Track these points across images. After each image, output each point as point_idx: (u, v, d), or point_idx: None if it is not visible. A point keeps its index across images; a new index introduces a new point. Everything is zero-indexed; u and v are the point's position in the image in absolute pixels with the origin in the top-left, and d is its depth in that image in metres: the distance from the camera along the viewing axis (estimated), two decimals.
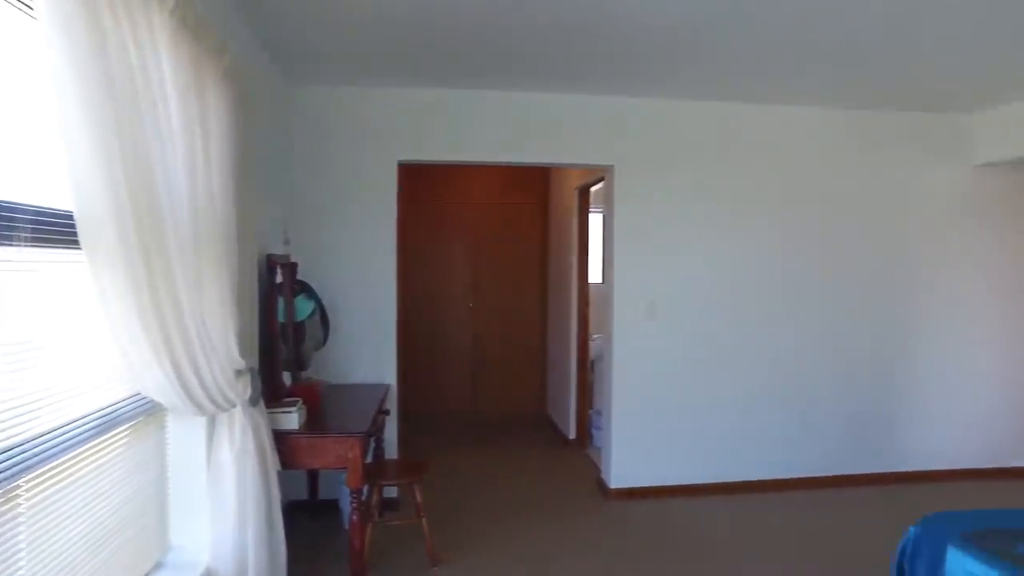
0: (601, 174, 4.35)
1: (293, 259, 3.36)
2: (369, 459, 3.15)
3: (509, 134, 3.84)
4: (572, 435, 5.12)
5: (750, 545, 3.38)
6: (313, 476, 3.62)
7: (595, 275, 5.20)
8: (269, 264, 2.88)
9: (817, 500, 4.01)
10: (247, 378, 2.17)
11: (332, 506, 3.64)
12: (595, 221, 5.17)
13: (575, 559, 3.21)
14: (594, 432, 5.07)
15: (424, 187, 5.77)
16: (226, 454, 2.13)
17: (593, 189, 4.98)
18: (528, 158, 3.92)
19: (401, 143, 3.78)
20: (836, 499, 4.03)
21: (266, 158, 3.11)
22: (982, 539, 1.92)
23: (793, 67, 3.36)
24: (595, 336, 5.39)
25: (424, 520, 3.09)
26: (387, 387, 3.68)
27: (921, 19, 2.73)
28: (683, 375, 4.02)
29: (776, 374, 4.13)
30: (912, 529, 2.12)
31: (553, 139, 3.87)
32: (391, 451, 3.80)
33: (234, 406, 2.12)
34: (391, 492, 3.79)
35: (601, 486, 4.14)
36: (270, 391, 2.65)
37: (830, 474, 4.22)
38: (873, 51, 3.13)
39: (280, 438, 2.45)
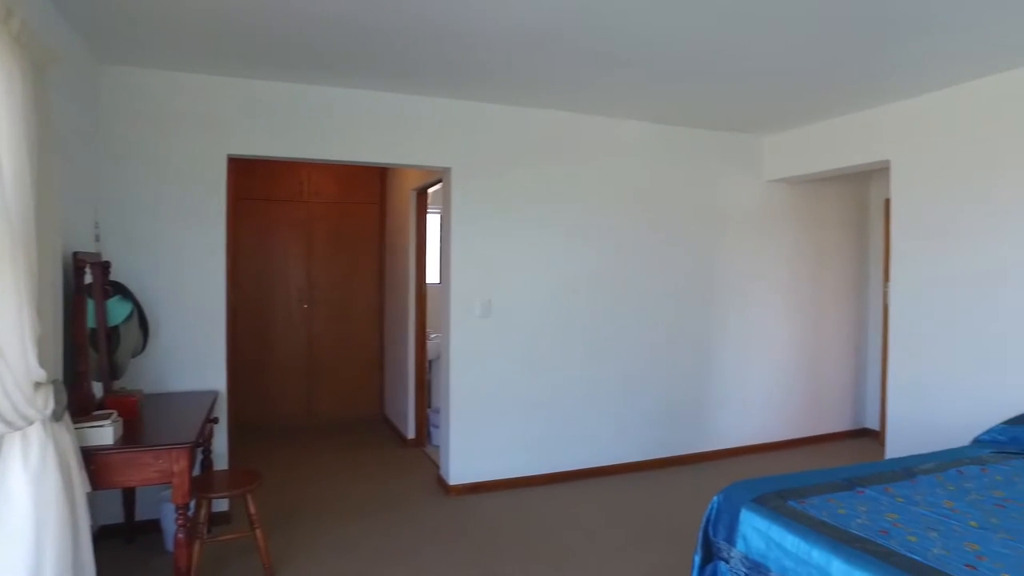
0: (439, 176, 4.43)
1: (105, 257, 3.04)
2: (196, 472, 2.94)
3: (346, 132, 3.77)
4: (411, 435, 5.14)
5: (583, 527, 3.63)
6: (130, 496, 3.30)
7: (433, 276, 5.27)
8: (76, 263, 2.59)
9: (644, 481, 4.40)
10: (48, 391, 1.95)
11: (153, 527, 3.34)
12: (433, 222, 5.23)
13: (414, 556, 3.25)
14: (432, 430, 5.13)
15: (258, 183, 5.48)
16: (18, 477, 1.90)
17: (431, 190, 5.04)
18: (364, 157, 3.87)
19: (231, 136, 3.56)
20: (659, 479, 4.45)
21: (71, 142, 2.78)
22: (765, 501, 2.26)
23: (615, 84, 3.66)
24: (433, 335, 5.46)
25: (259, 531, 2.96)
26: (215, 394, 3.46)
27: (723, 54, 3.13)
28: (518, 371, 4.20)
29: (602, 368, 4.47)
30: (715, 498, 2.42)
31: (390, 139, 3.87)
32: (221, 462, 3.57)
33: (31, 423, 1.89)
34: (221, 506, 3.57)
35: (441, 483, 4.21)
36: (78, 404, 2.39)
37: (654, 457, 4.66)
38: (685, 76, 3.51)
39: (91, 455, 2.23)
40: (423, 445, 5.11)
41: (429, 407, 5.27)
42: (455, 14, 2.68)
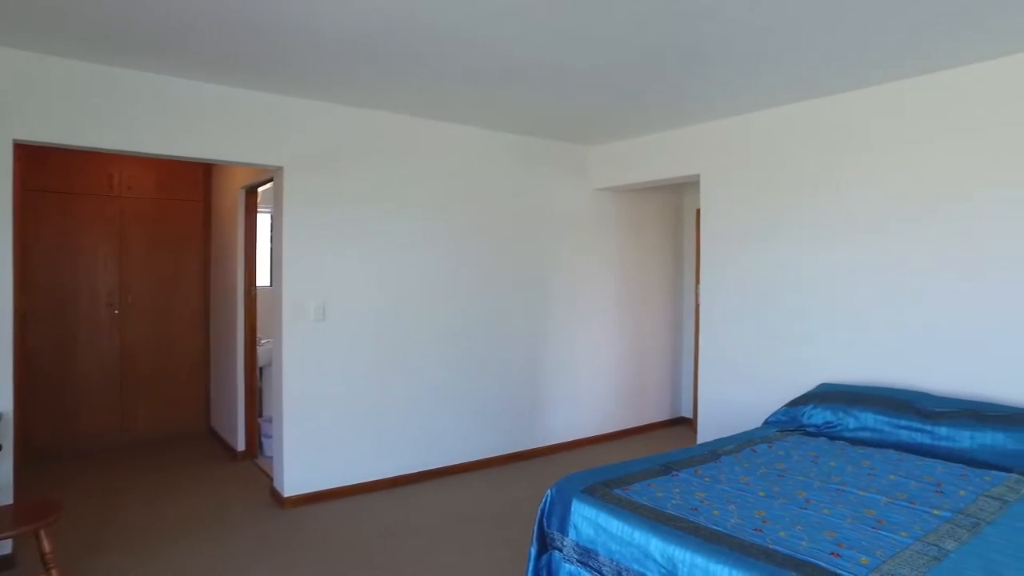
0: (270, 174, 4.22)
1: None
2: None
3: (164, 123, 3.45)
4: (241, 447, 4.83)
5: (423, 529, 3.64)
6: None
7: (264, 278, 5.00)
8: None
9: (483, 479, 4.49)
10: None
11: None
12: (264, 222, 4.96)
13: (244, 573, 3.07)
14: (264, 441, 4.87)
15: (56, 174, 4.86)
16: None
17: (261, 189, 4.78)
18: (186, 152, 3.56)
19: (18, 118, 3.11)
20: (498, 476, 4.57)
21: None
22: (594, 491, 2.42)
23: (445, 88, 3.67)
24: (264, 341, 5.18)
25: (54, 571, 2.63)
26: None
27: (542, 66, 3.30)
28: (354, 376, 4.12)
29: (440, 371, 4.50)
30: (548, 492, 2.56)
31: (217, 134, 3.61)
32: (5, 496, 3.12)
33: None
34: (4, 548, 3.12)
35: (275, 495, 4.01)
36: None
37: (493, 455, 4.78)
38: (509, 85, 3.61)
39: None
40: (254, 457, 4.83)
41: (260, 416, 4.99)
42: (281, 9, 2.58)
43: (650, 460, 2.84)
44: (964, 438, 2.85)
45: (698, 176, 4.59)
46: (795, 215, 3.99)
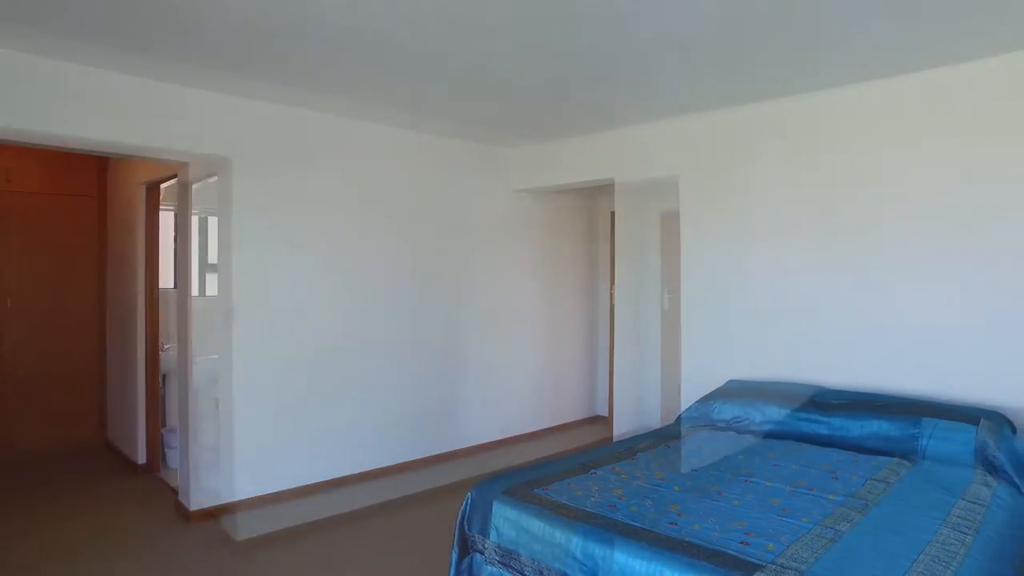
0: (174, 170, 3.99)
1: None
2: None
3: (73, 105, 3.19)
4: (142, 459, 4.54)
5: (341, 536, 3.55)
6: None
7: (166, 280, 4.72)
8: None
9: (401, 483, 4.42)
10: None
11: None
12: (165, 221, 4.69)
13: None
14: (168, 452, 4.60)
15: None
16: None
17: (165, 186, 4.51)
18: (92, 135, 3.29)
19: None
20: (416, 480, 4.52)
21: None
22: (515, 492, 2.44)
23: (366, 84, 3.60)
24: (167, 346, 4.90)
25: None
26: None
27: (454, 60, 3.30)
28: (267, 381, 3.96)
29: (359, 376, 4.41)
30: (468, 494, 2.55)
31: (140, 116, 3.37)
32: None
33: None
34: None
35: (180, 509, 3.79)
36: None
37: (411, 459, 4.72)
38: (423, 80, 3.55)
39: None
40: (156, 470, 4.55)
41: (164, 427, 4.71)
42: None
43: (570, 460, 2.90)
44: (855, 427, 3.08)
45: (612, 180, 4.73)
46: (722, 217, 4.12)
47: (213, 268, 3.74)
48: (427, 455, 4.82)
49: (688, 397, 4.10)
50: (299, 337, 4.08)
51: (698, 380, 4.12)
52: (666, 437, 3.31)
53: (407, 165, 4.67)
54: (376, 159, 4.47)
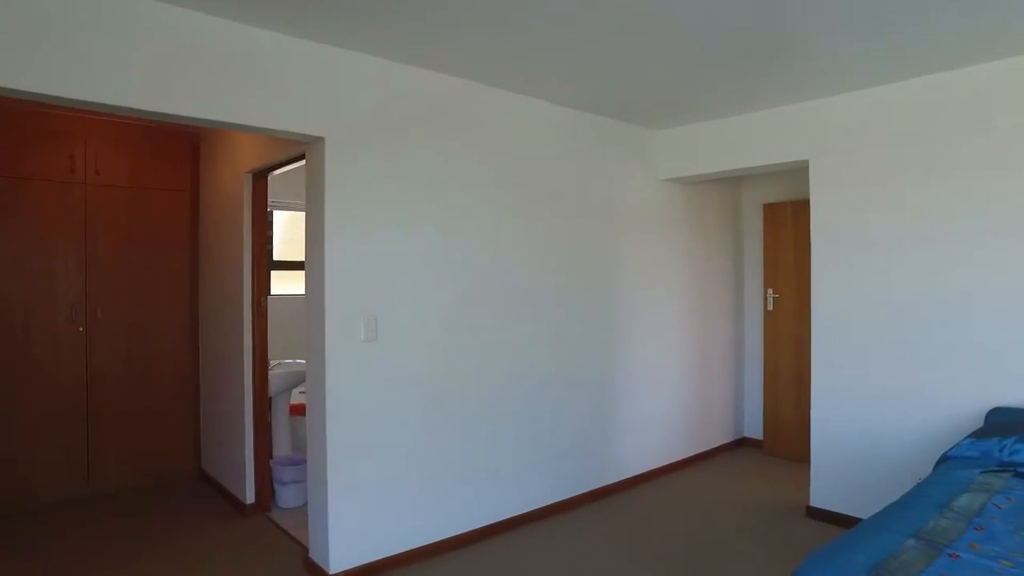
0: (286, 154, 3.30)
1: None
2: None
3: (152, 65, 2.48)
4: (250, 498, 3.84)
5: None
6: None
7: (281, 287, 4.04)
8: None
9: (563, 529, 3.64)
10: None
11: None
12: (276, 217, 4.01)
13: None
14: (278, 489, 3.90)
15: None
16: None
17: (275, 174, 3.83)
18: (189, 110, 2.54)
19: None
20: (578, 522, 3.73)
21: None
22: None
23: (513, 43, 2.89)
24: (274, 364, 4.22)
25: None
26: None
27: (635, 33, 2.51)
28: (407, 408, 3.22)
29: (502, 397, 3.64)
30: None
31: (233, 87, 2.66)
32: None
33: None
34: None
35: (313, 570, 3.06)
36: None
37: (565, 497, 3.94)
38: (595, 46, 2.87)
39: None
40: (266, 510, 3.85)
41: (271, 458, 4.02)
42: None
43: (892, 530, 2.06)
44: None
45: (805, 162, 3.89)
46: (933, 213, 3.31)
47: (349, 269, 3.01)
48: (579, 492, 4.04)
49: (919, 434, 3.23)
50: (434, 356, 3.34)
51: (932, 411, 3.25)
52: (972, 489, 2.44)
53: (548, 145, 3.91)
54: (515, 135, 3.72)
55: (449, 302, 3.37)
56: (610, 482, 4.24)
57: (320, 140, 2.93)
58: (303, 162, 3.42)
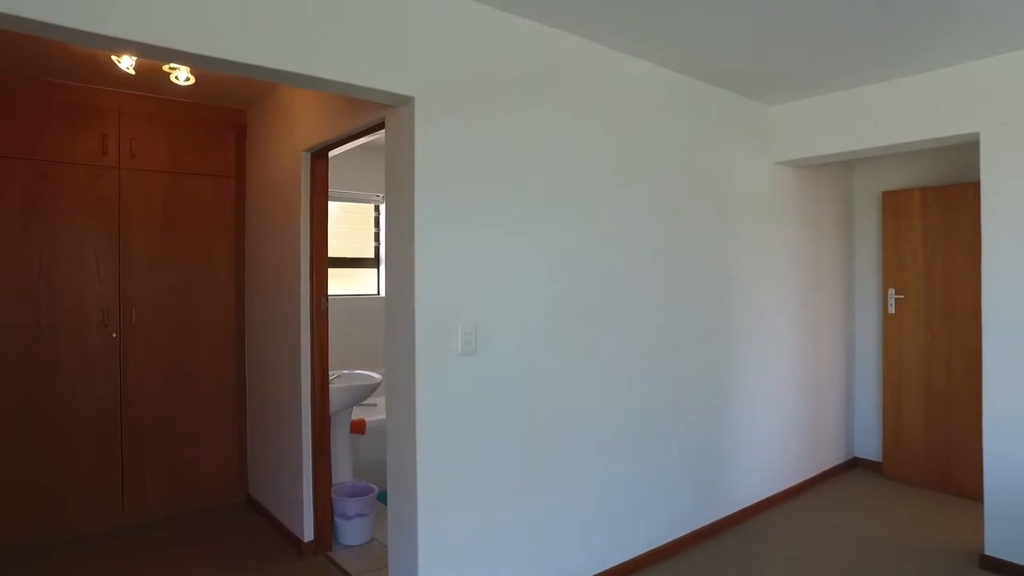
0: (363, 121, 2.72)
1: None
2: None
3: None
4: (308, 534, 3.27)
5: None
6: None
7: (341, 286, 3.47)
8: None
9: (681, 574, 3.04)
10: None
11: None
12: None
13: None
14: (340, 524, 3.34)
15: (22, 131, 3.31)
16: None
17: (335, 153, 3.25)
18: (254, 56, 1.95)
19: None
20: (701, 569, 3.11)
21: None
22: None
23: (634, 4, 2.28)
24: (334, 376, 3.66)
25: None
26: None
27: None
28: (507, 434, 2.62)
29: (609, 419, 3.03)
30: None
31: (309, 29, 2.07)
32: None
33: None
34: None
35: None
36: None
37: (678, 536, 3.32)
38: None
39: None
40: (327, 549, 3.29)
41: (332, 486, 3.46)
42: None
43: None
44: None
45: (969, 137, 3.21)
46: None
47: (442, 267, 2.42)
48: (692, 529, 3.41)
49: None
50: (536, 371, 2.73)
51: None
52: None
53: (658, 118, 3.28)
54: (624, 104, 3.09)
55: (550, 307, 2.76)
56: (722, 516, 3.61)
57: (408, 101, 2.34)
58: (369, 137, 2.87)
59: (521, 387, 2.64)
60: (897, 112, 3.43)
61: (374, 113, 2.58)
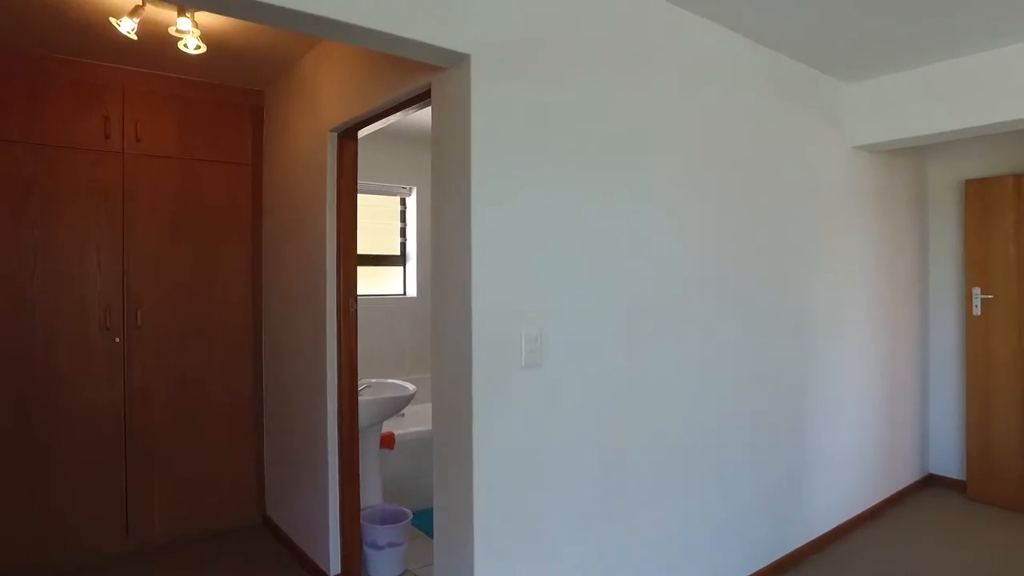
0: (403, 90, 2.31)
1: None
2: None
3: None
4: (335, 567, 2.88)
5: None
6: None
7: (370, 286, 3.08)
8: None
9: None
10: None
11: None
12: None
13: None
14: (368, 554, 2.94)
15: (16, 112, 2.94)
16: None
17: (365, 132, 2.85)
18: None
19: None
20: None
21: None
22: None
23: None
24: (363, 386, 3.27)
25: None
26: None
27: None
28: (580, 464, 2.21)
29: (685, 435, 2.61)
30: None
31: None
32: None
33: None
34: None
35: None
36: None
37: (758, 568, 2.91)
38: None
39: None
40: None
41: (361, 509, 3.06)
42: None
43: None
44: None
45: None
46: None
47: (500, 263, 2.01)
48: (771, 560, 2.99)
49: None
50: (607, 384, 2.31)
51: None
52: None
53: (738, 95, 2.86)
54: (687, 70, 2.67)
55: (623, 310, 2.35)
56: (800, 544, 3.18)
57: (463, 61, 1.93)
58: (400, 115, 2.48)
59: (593, 406, 2.23)
60: (1001, 86, 2.99)
61: (416, 79, 2.18)
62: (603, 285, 2.27)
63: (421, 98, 2.27)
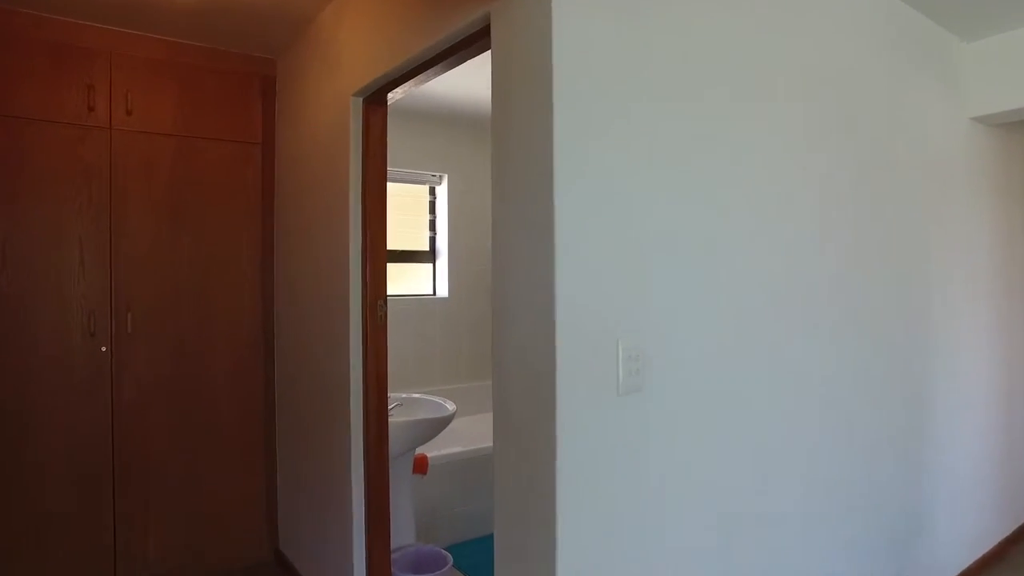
0: (447, 33, 1.79)
1: None
2: None
3: None
4: None
5: None
6: None
7: (402, 285, 2.59)
8: None
9: None
10: None
11: None
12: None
13: None
14: None
15: None
16: None
17: (395, 95, 2.34)
18: None
19: None
20: None
21: None
22: None
23: None
24: (393, 405, 2.77)
25: None
26: None
27: None
28: (692, 515, 1.68)
29: (803, 463, 2.07)
30: None
31: None
32: None
33: None
34: None
35: None
36: None
37: None
38: None
39: None
40: None
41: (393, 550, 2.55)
42: None
43: None
44: None
45: None
46: None
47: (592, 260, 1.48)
48: None
49: None
50: (715, 408, 1.77)
51: None
52: None
53: (849, 43, 2.31)
54: (809, 12, 2.12)
55: (736, 318, 1.81)
56: None
57: None
58: (443, 64, 1.96)
59: (703, 440, 1.70)
60: None
61: (467, 11, 1.66)
62: (713, 290, 1.73)
63: (473, 40, 1.75)
